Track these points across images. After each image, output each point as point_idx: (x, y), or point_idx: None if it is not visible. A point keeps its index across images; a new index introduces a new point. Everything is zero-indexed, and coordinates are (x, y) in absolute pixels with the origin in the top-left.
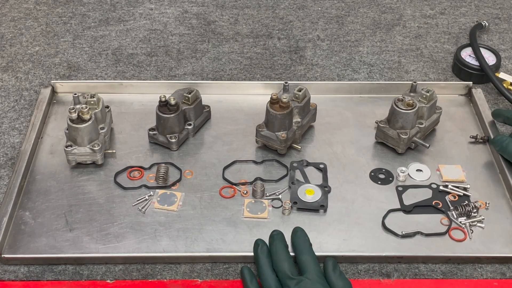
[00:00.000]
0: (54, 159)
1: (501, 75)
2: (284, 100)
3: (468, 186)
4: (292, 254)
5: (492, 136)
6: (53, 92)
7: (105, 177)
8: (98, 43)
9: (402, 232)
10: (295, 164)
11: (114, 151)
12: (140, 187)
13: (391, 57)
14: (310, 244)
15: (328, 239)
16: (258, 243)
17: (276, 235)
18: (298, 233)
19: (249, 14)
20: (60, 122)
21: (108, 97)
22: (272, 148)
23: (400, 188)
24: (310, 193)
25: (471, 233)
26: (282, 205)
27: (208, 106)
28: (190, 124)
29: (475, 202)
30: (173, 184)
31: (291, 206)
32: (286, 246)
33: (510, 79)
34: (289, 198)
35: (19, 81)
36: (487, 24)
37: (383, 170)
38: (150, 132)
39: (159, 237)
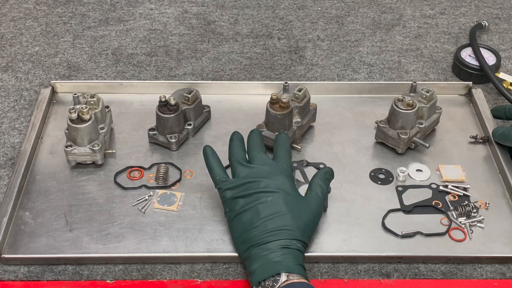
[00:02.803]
0: (54, 159)
1: (501, 75)
2: (284, 100)
3: (468, 186)
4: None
5: (491, 137)
6: (53, 92)
7: (105, 177)
8: (98, 43)
9: (402, 232)
10: (295, 164)
11: (114, 151)
12: (140, 187)
13: (391, 57)
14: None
15: (328, 239)
16: (236, 132)
17: (256, 130)
18: (280, 134)
19: (249, 14)
20: (60, 122)
21: (108, 97)
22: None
23: (400, 188)
24: None
25: (471, 233)
26: None
27: (208, 106)
28: (190, 124)
29: (475, 202)
30: (173, 184)
31: None
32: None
33: (510, 79)
34: None
35: (19, 81)
36: (487, 24)
37: (383, 170)
38: (150, 132)
39: (159, 237)
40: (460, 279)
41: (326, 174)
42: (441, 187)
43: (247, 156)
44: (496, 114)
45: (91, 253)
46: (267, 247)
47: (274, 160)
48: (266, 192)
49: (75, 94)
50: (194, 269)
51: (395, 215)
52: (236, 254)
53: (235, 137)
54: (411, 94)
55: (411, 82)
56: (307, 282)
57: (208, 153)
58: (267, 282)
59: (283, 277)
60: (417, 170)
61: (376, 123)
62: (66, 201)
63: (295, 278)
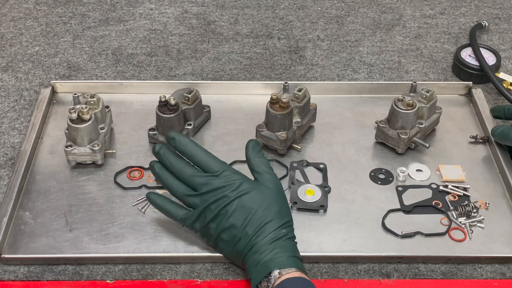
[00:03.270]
0: (54, 159)
1: (501, 75)
2: (284, 100)
3: (468, 186)
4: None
5: (491, 137)
6: (53, 92)
7: (105, 177)
8: (98, 43)
9: (402, 232)
10: (295, 164)
11: (114, 151)
12: (140, 187)
13: (391, 57)
14: (198, 144)
15: (328, 239)
16: (152, 165)
17: (160, 148)
18: (176, 139)
19: (249, 14)
20: (60, 122)
21: (108, 97)
22: (272, 148)
23: (400, 188)
24: (310, 193)
25: (471, 233)
26: None
27: (208, 106)
28: (190, 124)
29: (475, 202)
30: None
31: (291, 206)
32: (178, 154)
33: (510, 79)
34: (289, 198)
35: (19, 81)
36: (487, 24)
37: (383, 170)
38: (150, 132)
39: (159, 237)
40: (460, 279)
41: (255, 148)
42: (441, 187)
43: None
44: (496, 114)
45: (91, 253)
46: (257, 249)
47: (206, 170)
48: (228, 204)
49: (75, 94)
50: (194, 269)
51: (395, 215)
52: None
53: (157, 169)
54: (411, 94)
55: (411, 82)
56: (302, 274)
57: (156, 200)
58: (262, 284)
59: (275, 274)
60: (417, 170)
61: (376, 123)
62: (66, 201)
63: (288, 273)
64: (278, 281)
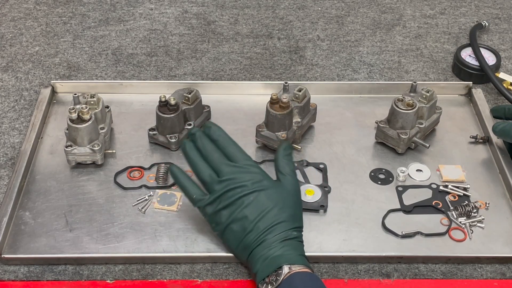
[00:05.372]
0: (54, 159)
1: (501, 75)
2: (284, 100)
3: (468, 186)
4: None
5: (492, 137)
6: (53, 92)
7: (105, 177)
8: (98, 43)
9: (402, 232)
10: (295, 164)
11: (114, 151)
12: (140, 187)
13: (391, 57)
14: (230, 137)
15: (328, 239)
16: (184, 142)
17: (197, 130)
18: (212, 128)
19: (249, 14)
20: (60, 122)
21: (108, 97)
22: (272, 148)
23: (400, 188)
24: (310, 193)
25: (471, 233)
26: None
27: (208, 106)
28: (190, 124)
29: (475, 202)
30: (173, 184)
31: None
32: (211, 141)
33: (510, 79)
34: None
35: (19, 81)
36: (487, 24)
37: (383, 170)
38: (150, 132)
39: (159, 237)
40: (460, 279)
41: (286, 151)
42: (441, 187)
43: (210, 159)
44: (496, 114)
45: (91, 253)
46: (266, 245)
47: (233, 161)
48: (245, 195)
49: (75, 94)
50: (194, 269)
51: (395, 215)
52: None
53: (188, 147)
54: (411, 94)
55: (411, 82)
56: (311, 271)
57: (177, 174)
58: (270, 278)
59: (286, 269)
60: (417, 170)
61: (376, 123)
62: (66, 201)
63: (298, 269)
64: (288, 274)
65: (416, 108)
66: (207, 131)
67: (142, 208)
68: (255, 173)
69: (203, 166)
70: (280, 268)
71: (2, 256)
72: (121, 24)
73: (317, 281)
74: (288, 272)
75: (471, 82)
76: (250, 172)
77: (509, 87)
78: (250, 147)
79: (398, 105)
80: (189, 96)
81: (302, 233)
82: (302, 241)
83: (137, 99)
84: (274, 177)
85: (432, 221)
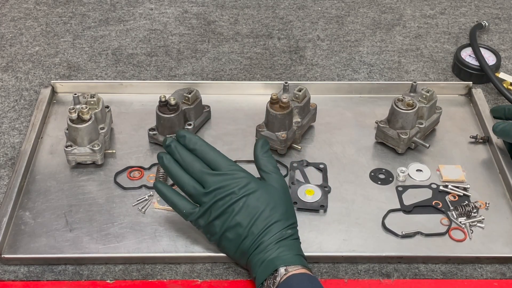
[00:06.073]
0: (54, 159)
1: (501, 75)
2: (284, 100)
3: (468, 186)
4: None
5: (492, 137)
6: (53, 92)
7: (105, 177)
8: (98, 43)
9: (402, 232)
10: (295, 164)
11: (114, 151)
12: (140, 187)
13: (391, 57)
14: (208, 143)
15: (328, 239)
16: (161, 156)
17: (172, 141)
18: (187, 137)
19: (249, 14)
20: (60, 122)
21: (108, 97)
22: (272, 148)
23: (400, 188)
24: (310, 193)
25: (471, 233)
26: None
27: (208, 106)
28: (190, 124)
29: (475, 202)
30: (173, 184)
31: None
32: (188, 150)
33: (510, 79)
34: None
35: (19, 81)
36: (487, 24)
37: (383, 170)
38: (150, 132)
39: (159, 237)
40: (460, 279)
41: (264, 147)
42: (441, 187)
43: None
44: (496, 114)
45: (91, 253)
46: (262, 248)
47: (215, 169)
48: (235, 203)
49: (75, 94)
50: (194, 269)
51: (395, 215)
52: None
53: (166, 161)
54: (411, 94)
55: (411, 82)
56: (308, 272)
57: (163, 190)
58: (268, 281)
59: (282, 271)
60: (417, 170)
61: (376, 123)
62: (66, 201)
63: (294, 270)
64: (285, 277)
65: (416, 108)
66: (182, 141)
67: (142, 208)
68: (240, 177)
69: (186, 178)
70: (277, 270)
71: (2, 256)
72: (121, 24)
73: (314, 282)
74: (285, 274)
75: (471, 82)
76: (235, 177)
77: (509, 87)
78: (250, 147)
79: (398, 105)
80: (189, 96)
81: (297, 228)
82: (297, 238)
83: (137, 99)
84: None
85: (432, 221)
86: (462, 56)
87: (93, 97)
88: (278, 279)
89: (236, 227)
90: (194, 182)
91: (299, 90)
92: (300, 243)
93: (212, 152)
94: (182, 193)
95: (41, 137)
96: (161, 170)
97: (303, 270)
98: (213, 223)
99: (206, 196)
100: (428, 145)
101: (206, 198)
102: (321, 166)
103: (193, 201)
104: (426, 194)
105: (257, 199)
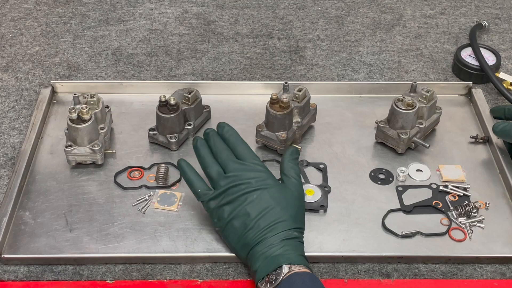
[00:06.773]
0: (54, 159)
1: (501, 75)
2: (284, 100)
3: (468, 186)
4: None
5: (492, 137)
6: (53, 92)
7: (105, 177)
8: (98, 43)
9: (402, 232)
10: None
11: (114, 151)
12: (140, 187)
13: (391, 57)
14: (241, 138)
15: (328, 239)
16: (196, 139)
17: (211, 130)
18: (225, 128)
19: (249, 14)
20: (60, 122)
21: (108, 97)
22: (272, 148)
23: (400, 188)
24: (310, 193)
25: (471, 233)
26: None
27: (208, 106)
28: (190, 124)
29: (475, 202)
30: (173, 184)
31: None
32: (222, 140)
33: (510, 79)
34: None
35: (19, 81)
36: (487, 24)
37: (383, 170)
38: (150, 132)
39: (159, 237)
40: (460, 279)
41: (293, 155)
42: (441, 187)
43: (217, 156)
44: (496, 114)
45: (91, 253)
46: (266, 243)
47: (241, 159)
48: (249, 192)
49: (75, 94)
50: (194, 269)
51: (395, 215)
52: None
53: (199, 143)
54: (411, 94)
55: (411, 82)
56: (310, 272)
57: (185, 167)
58: (270, 277)
59: (285, 269)
60: (417, 170)
61: (376, 123)
62: (66, 201)
63: (297, 269)
64: (288, 274)
65: (416, 108)
66: (220, 131)
67: (142, 208)
68: (260, 171)
69: (212, 162)
70: (280, 267)
71: (2, 256)
72: (121, 24)
73: (316, 282)
74: (288, 272)
75: (471, 82)
76: (256, 170)
77: (509, 87)
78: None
79: (398, 105)
80: (189, 96)
81: (303, 234)
82: (302, 242)
83: (137, 99)
84: (274, 173)
85: (432, 221)
86: (462, 56)
87: (93, 97)
88: (281, 276)
89: (244, 217)
90: (218, 167)
91: (299, 90)
92: (304, 247)
93: (242, 145)
94: (202, 176)
95: (41, 137)
96: (161, 170)
97: (306, 270)
98: (223, 208)
99: (224, 179)
100: (428, 145)
101: (223, 182)
102: (321, 166)
103: (212, 185)
104: (426, 194)
105: (270, 195)
